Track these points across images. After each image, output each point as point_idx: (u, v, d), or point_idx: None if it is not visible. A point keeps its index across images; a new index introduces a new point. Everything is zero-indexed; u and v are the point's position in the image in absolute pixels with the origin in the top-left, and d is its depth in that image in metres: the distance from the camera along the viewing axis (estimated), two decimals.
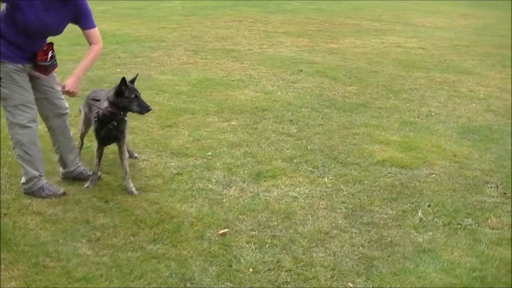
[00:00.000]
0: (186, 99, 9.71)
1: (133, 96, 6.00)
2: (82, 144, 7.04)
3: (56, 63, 5.99)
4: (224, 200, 6.15)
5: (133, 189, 6.25)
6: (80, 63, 5.84)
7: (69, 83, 5.72)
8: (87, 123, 6.81)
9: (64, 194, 6.08)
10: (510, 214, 6.26)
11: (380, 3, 28.87)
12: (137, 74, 6.63)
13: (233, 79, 11.07)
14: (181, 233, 5.43)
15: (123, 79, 5.96)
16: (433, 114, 9.82)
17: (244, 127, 8.36)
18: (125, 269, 4.81)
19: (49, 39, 5.86)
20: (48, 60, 5.81)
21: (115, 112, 6.07)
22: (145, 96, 9.38)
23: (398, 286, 4.80)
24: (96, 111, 6.14)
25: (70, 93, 5.77)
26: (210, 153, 7.32)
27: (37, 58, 5.74)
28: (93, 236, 5.30)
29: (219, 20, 19.44)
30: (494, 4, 34.30)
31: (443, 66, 14.04)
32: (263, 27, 18.60)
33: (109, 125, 6.12)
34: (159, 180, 6.57)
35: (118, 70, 11.48)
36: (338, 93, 10.68)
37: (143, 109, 6.06)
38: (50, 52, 5.84)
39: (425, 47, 16.72)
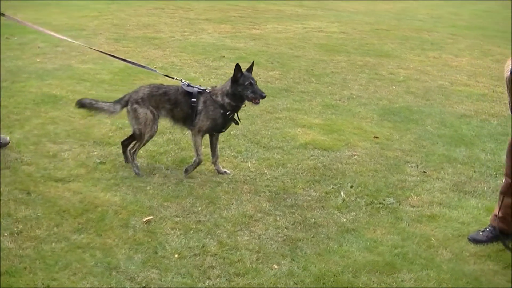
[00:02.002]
0: (108, 88, 9.60)
1: (247, 83, 6.16)
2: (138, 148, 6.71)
3: None
4: (148, 188, 6.13)
5: (225, 170, 6.66)
6: None
7: None
8: (155, 122, 6.52)
9: None
10: (430, 192, 6.43)
11: None
12: (253, 61, 6.70)
13: (155, 66, 10.94)
14: (105, 222, 5.40)
15: (238, 65, 6.16)
16: (354, 96, 9.98)
17: None
18: (50, 260, 4.76)
19: None
20: None
21: (238, 105, 6.34)
22: (65, 86, 9.32)
23: (323, 266, 4.88)
24: (222, 111, 6.29)
25: None
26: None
27: None
28: (15, 229, 5.19)
29: (141, 8, 19.23)
30: None
31: (364, 50, 14.25)
32: (185, 14, 18.50)
33: (232, 117, 6.41)
34: (82, 170, 6.49)
35: (38, 60, 11.26)
36: (260, 78, 10.71)
37: (258, 95, 6.19)
38: None
39: (346, 31, 16.92)
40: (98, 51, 7.87)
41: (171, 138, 7.43)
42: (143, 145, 6.60)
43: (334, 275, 4.79)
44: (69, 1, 20.03)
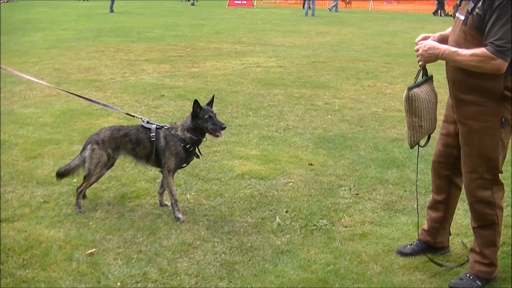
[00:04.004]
0: (50, 130, 9.76)
1: (207, 116, 6.39)
2: (82, 193, 6.85)
3: None
4: (91, 223, 6.31)
5: (166, 203, 6.83)
6: None
7: None
8: (106, 165, 6.75)
9: None
10: (362, 212, 6.73)
11: (242, 27, 29.50)
12: (214, 95, 7.04)
13: (96, 108, 11.15)
14: (50, 256, 5.56)
15: (196, 101, 6.43)
16: (290, 127, 10.30)
17: None
18: None
19: None
20: None
21: (199, 139, 6.55)
22: (8, 130, 9.45)
23: (258, 285, 5.14)
24: (182, 144, 6.49)
25: None
26: (75, 180, 7.39)
27: None
28: None
29: (82, 52, 19.38)
30: (350, 21, 35.82)
31: (301, 82, 14.62)
32: (126, 56, 18.71)
33: (194, 152, 6.61)
34: (26, 210, 6.64)
35: None
36: None
37: (218, 127, 6.42)
38: None
39: (283, 65, 17.30)
40: (70, 93, 7.97)
41: (112, 175, 7.60)
42: (90, 185, 6.79)
43: None
44: (9, 48, 20.00)
